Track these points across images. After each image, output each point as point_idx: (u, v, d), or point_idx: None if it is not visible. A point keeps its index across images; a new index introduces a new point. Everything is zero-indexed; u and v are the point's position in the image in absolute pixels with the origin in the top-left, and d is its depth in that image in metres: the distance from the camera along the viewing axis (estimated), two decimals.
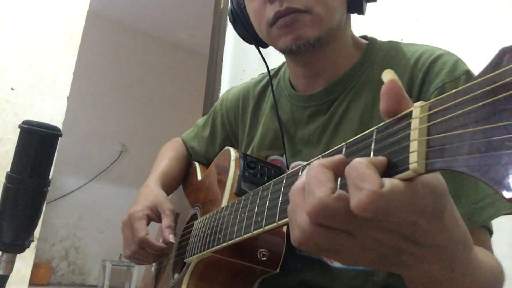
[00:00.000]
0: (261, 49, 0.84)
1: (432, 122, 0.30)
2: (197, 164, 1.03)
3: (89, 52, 4.12)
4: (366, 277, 0.69)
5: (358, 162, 0.32)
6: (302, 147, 0.79)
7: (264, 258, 0.66)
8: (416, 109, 0.32)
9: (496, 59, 0.27)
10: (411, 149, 0.31)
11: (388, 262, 0.37)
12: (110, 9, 4.80)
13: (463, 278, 0.41)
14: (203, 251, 0.68)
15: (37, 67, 2.11)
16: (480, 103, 0.27)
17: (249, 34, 0.80)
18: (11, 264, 0.64)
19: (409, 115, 0.32)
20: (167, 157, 1.03)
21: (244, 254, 0.67)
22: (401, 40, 0.81)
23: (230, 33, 2.44)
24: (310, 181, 0.34)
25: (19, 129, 0.61)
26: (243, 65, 2.28)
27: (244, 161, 0.76)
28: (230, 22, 0.82)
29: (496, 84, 0.26)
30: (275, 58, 0.84)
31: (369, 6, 0.76)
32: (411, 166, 0.30)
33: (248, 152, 0.88)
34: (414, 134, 0.31)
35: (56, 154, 0.65)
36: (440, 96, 0.30)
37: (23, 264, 1.92)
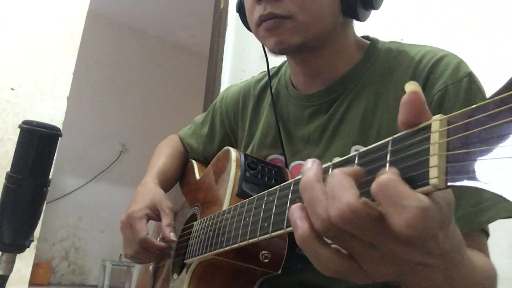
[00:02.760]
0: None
1: (451, 138, 0.30)
2: (194, 162, 1.02)
3: (89, 52, 4.12)
4: None
5: (390, 179, 0.31)
6: (302, 146, 0.79)
7: (266, 260, 0.66)
8: (436, 122, 0.31)
9: None
10: (431, 163, 0.30)
11: (401, 275, 0.37)
12: (110, 9, 4.80)
13: (458, 278, 0.41)
14: (205, 253, 0.67)
15: (37, 67, 2.11)
16: (502, 121, 0.27)
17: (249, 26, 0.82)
18: (11, 264, 0.64)
19: (428, 128, 0.32)
20: (163, 154, 1.02)
21: (246, 256, 0.66)
22: (401, 40, 0.81)
23: (230, 33, 2.44)
24: (334, 186, 0.34)
25: (19, 129, 0.61)
26: (243, 65, 2.28)
27: (245, 162, 0.76)
28: (237, 11, 0.83)
29: None
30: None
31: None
32: (431, 181, 0.30)
33: (248, 151, 0.87)
34: (433, 148, 0.30)
35: (56, 154, 0.65)
36: (460, 111, 0.30)
37: (23, 264, 1.92)
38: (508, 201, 0.25)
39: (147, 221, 0.83)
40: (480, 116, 0.28)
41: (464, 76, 0.65)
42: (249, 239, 0.53)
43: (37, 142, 0.60)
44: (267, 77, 0.91)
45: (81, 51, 2.25)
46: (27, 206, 0.62)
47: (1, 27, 2.05)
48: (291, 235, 0.41)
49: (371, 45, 0.77)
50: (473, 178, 0.28)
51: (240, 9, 0.81)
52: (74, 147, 4.55)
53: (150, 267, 1.01)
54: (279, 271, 0.68)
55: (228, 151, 0.81)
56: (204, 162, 1.01)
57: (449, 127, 0.30)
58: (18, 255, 0.64)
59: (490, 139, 0.27)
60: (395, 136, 0.35)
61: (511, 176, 0.26)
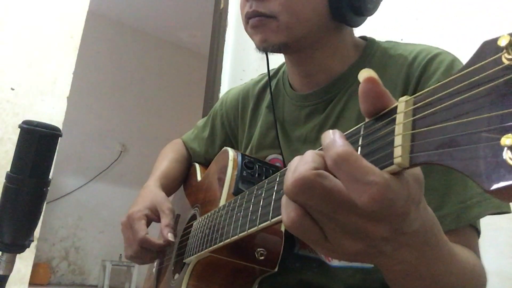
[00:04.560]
0: None
1: (416, 117, 0.30)
2: (197, 165, 1.03)
3: (89, 52, 4.12)
4: (364, 276, 0.69)
5: (356, 157, 0.32)
6: (299, 146, 0.80)
7: (262, 258, 0.66)
8: (401, 103, 0.32)
9: (478, 52, 0.27)
10: (395, 143, 0.31)
11: (371, 253, 0.37)
12: (110, 9, 4.80)
13: (435, 264, 0.42)
14: (201, 251, 0.68)
15: (37, 67, 2.11)
16: (462, 97, 0.27)
17: None
18: (11, 264, 0.64)
19: (394, 110, 0.33)
20: (167, 158, 1.03)
21: (242, 254, 0.67)
22: (401, 40, 0.81)
23: (230, 33, 2.44)
24: (299, 161, 0.35)
25: (19, 129, 0.61)
26: (243, 65, 2.28)
27: (242, 161, 0.76)
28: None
29: (477, 77, 0.27)
30: (276, 55, 0.84)
31: None
32: (395, 160, 0.31)
33: (247, 152, 0.88)
34: (398, 128, 0.31)
35: (56, 154, 0.65)
36: (425, 90, 0.31)
37: (23, 264, 1.92)
38: (479, 185, 0.25)
39: (148, 222, 0.84)
40: (443, 93, 0.29)
41: None
42: (239, 233, 0.54)
43: (37, 142, 0.60)
44: (266, 79, 0.92)
45: (81, 51, 2.25)
46: (27, 206, 0.62)
47: (1, 27, 2.05)
48: (289, 234, 0.41)
49: (367, 45, 0.78)
50: (437, 155, 0.28)
51: None
52: (74, 147, 4.55)
53: (154, 269, 1.01)
54: (276, 269, 0.68)
55: (225, 151, 0.81)
56: (207, 164, 1.02)
57: (414, 106, 0.31)
58: (18, 255, 0.64)
59: (454, 117, 0.27)
60: (367, 121, 0.36)
61: (472, 152, 0.26)
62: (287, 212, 0.36)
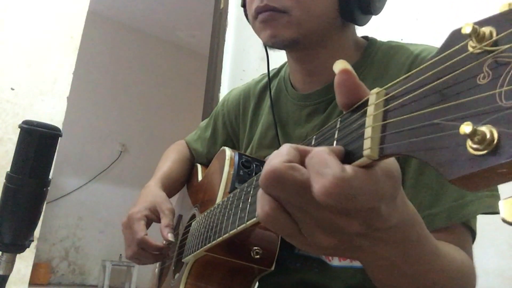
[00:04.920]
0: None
1: (386, 107, 0.30)
2: (199, 166, 1.04)
3: (89, 52, 4.12)
4: (364, 275, 0.69)
5: (319, 149, 0.32)
6: None
7: (258, 256, 0.66)
8: (372, 96, 0.32)
9: (447, 41, 0.27)
10: (365, 135, 0.31)
11: (345, 248, 0.37)
12: (110, 9, 4.80)
13: (418, 261, 0.41)
14: (197, 250, 0.68)
15: (37, 67, 2.11)
16: (429, 86, 0.27)
17: None
18: (11, 264, 0.64)
19: (366, 102, 0.32)
20: (169, 159, 1.04)
21: (238, 253, 0.67)
22: (401, 40, 0.81)
23: (230, 33, 2.44)
24: (272, 155, 0.35)
25: (19, 129, 0.61)
26: (243, 65, 2.28)
27: (239, 160, 0.77)
28: (241, 5, 0.84)
29: (443, 66, 0.26)
30: (277, 53, 0.84)
31: None
32: (365, 152, 0.30)
33: (248, 152, 0.88)
34: (369, 120, 0.31)
35: (56, 154, 0.65)
36: (396, 80, 0.30)
37: (23, 264, 1.92)
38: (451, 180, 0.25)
39: (147, 223, 0.84)
40: (412, 83, 0.29)
41: None
42: (230, 230, 0.54)
43: (37, 142, 0.60)
44: (267, 79, 0.91)
45: (81, 51, 2.25)
46: (27, 206, 0.62)
47: (1, 27, 2.05)
48: None
49: (368, 45, 0.78)
50: (405, 146, 0.28)
51: (245, 4, 0.82)
52: (74, 147, 4.55)
53: (156, 269, 1.02)
54: (272, 268, 0.68)
55: (223, 151, 0.82)
56: (208, 165, 1.02)
57: (385, 97, 0.31)
58: (18, 255, 0.64)
59: (420, 107, 0.27)
60: (342, 114, 0.35)
61: (436, 142, 0.26)
62: (261, 206, 0.36)
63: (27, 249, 0.66)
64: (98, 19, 4.55)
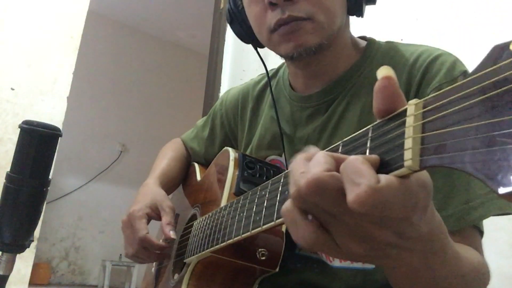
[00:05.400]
0: (260, 49, 0.83)
1: (426, 120, 0.30)
2: (196, 165, 1.03)
3: (89, 52, 4.12)
4: (366, 276, 0.69)
5: (354, 158, 0.32)
6: (301, 147, 0.79)
7: (264, 258, 0.66)
8: (411, 106, 0.32)
9: (490, 56, 0.27)
10: (405, 146, 0.31)
11: (375, 255, 0.37)
12: (110, 9, 4.80)
13: (440, 267, 0.42)
14: (203, 251, 0.68)
15: (37, 67, 2.11)
16: (474, 100, 0.27)
17: (246, 34, 0.80)
18: (11, 264, 0.64)
19: (403, 113, 0.32)
20: (166, 157, 1.03)
21: (244, 254, 0.67)
22: (401, 40, 0.81)
23: (230, 33, 2.44)
24: (311, 163, 0.35)
25: (19, 129, 0.61)
26: (243, 65, 2.28)
27: (243, 161, 0.76)
28: (228, 22, 0.82)
29: (490, 81, 0.27)
30: (274, 58, 0.84)
31: (368, 7, 0.76)
32: (406, 163, 0.31)
33: (247, 152, 0.88)
34: (408, 131, 0.31)
35: (56, 154, 0.65)
36: (435, 94, 0.31)
37: (23, 264, 1.92)
38: (497, 194, 0.25)
39: (148, 221, 0.84)
40: (453, 97, 0.29)
41: (459, 75, 0.65)
42: (243, 233, 0.54)
43: (37, 142, 0.60)
44: (265, 79, 0.91)
45: (81, 51, 2.25)
46: (27, 206, 0.62)
47: (1, 27, 2.05)
48: (289, 234, 0.41)
49: (368, 45, 0.77)
50: (448, 158, 0.28)
51: (235, 19, 0.79)
52: (74, 147, 4.55)
53: (153, 268, 1.01)
54: (277, 269, 0.68)
55: (226, 151, 0.81)
56: (206, 164, 1.02)
57: (424, 110, 0.31)
58: (18, 255, 0.64)
59: (465, 120, 0.27)
60: (375, 123, 0.35)
61: (485, 155, 0.26)
62: (298, 232, 0.36)
63: (27, 249, 0.66)
64: (98, 19, 4.55)
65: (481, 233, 0.62)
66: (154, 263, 1.00)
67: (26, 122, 0.61)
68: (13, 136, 1.95)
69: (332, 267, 0.71)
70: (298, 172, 0.35)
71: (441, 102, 0.30)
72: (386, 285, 0.69)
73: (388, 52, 0.75)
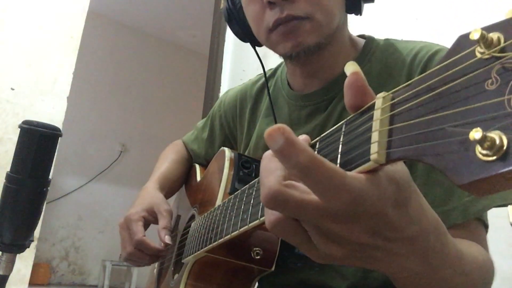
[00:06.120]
0: (258, 48, 0.83)
1: (393, 112, 0.30)
2: (197, 166, 1.03)
3: (89, 52, 4.12)
4: (365, 274, 0.69)
5: (320, 162, 0.30)
6: None
7: (258, 257, 0.66)
8: (379, 100, 0.32)
9: (454, 46, 0.27)
10: (372, 140, 0.30)
11: (358, 258, 0.36)
12: (110, 9, 4.80)
13: (442, 269, 0.41)
14: (198, 251, 0.68)
15: (37, 67, 2.11)
16: (437, 91, 0.27)
17: (244, 34, 0.79)
18: (11, 264, 0.64)
19: (372, 106, 0.32)
20: (167, 160, 1.03)
21: (239, 253, 0.67)
22: (401, 39, 0.81)
23: (230, 33, 2.43)
24: (261, 172, 0.34)
25: (19, 129, 0.61)
26: (243, 65, 2.28)
27: (239, 161, 0.77)
28: (226, 21, 0.82)
29: (451, 71, 0.26)
30: (273, 57, 0.84)
31: (369, 6, 0.76)
32: (372, 157, 0.30)
33: (246, 153, 0.88)
34: (375, 125, 0.31)
35: (56, 154, 0.65)
36: (403, 85, 0.30)
37: (23, 264, 1.92)
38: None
39: (145, 224, 0.84)
40: (419, 88, 0.29)
41: None
42: (232, 232, 0.54)
43: (37, 142, 0.60)
44: (263, 79, 0.91)
45: (81, 51, 2.25)
46: (27, 206, 0.62)
47: (1, 27, 2.05)
48: None
49: (366, 43, 0.77)
50: (413, 150, 0.28)
51: (233, 18, 0.79)
52: (74, 147, 4.55)
53: (155, 270, 1.01)
54: (273, 268, 0.68)
55: (222, 152, 0.82)
56: (207, 165, 1.02)
57: (392, 102, 0.31)
58: (18, 255, 0.64)
59: (429, 112, 0.27)
60: (348, 117, 0.35)
61: (444, 147, 0.26)
62: (268, 215, 0.36)
63: (27, 249, 0.66)
64: (98, 19, 4.55)
65: (486, 226, 0.62)
66: (156, 264, 1.00)
67: (26, 122, 0.61)
68: (13, 136, 1.95)
69: (332, 265, 0.71)
70: (263, 175, 0.34)
71: (408, 94, 0.29)
72: (387, 283, 0.69)
73: (387, 50, 0.75)
